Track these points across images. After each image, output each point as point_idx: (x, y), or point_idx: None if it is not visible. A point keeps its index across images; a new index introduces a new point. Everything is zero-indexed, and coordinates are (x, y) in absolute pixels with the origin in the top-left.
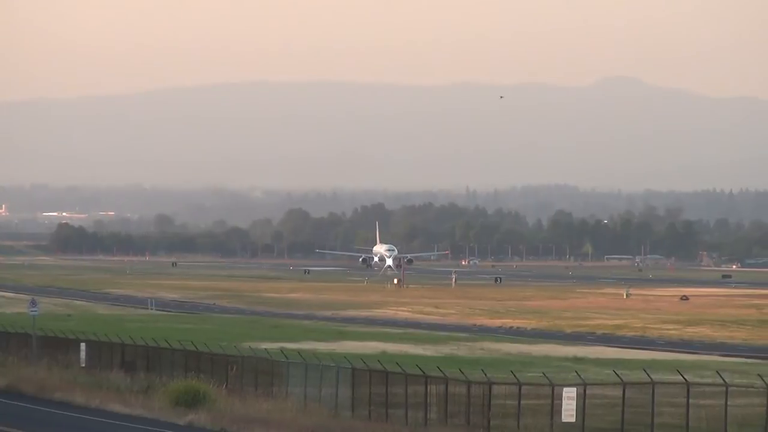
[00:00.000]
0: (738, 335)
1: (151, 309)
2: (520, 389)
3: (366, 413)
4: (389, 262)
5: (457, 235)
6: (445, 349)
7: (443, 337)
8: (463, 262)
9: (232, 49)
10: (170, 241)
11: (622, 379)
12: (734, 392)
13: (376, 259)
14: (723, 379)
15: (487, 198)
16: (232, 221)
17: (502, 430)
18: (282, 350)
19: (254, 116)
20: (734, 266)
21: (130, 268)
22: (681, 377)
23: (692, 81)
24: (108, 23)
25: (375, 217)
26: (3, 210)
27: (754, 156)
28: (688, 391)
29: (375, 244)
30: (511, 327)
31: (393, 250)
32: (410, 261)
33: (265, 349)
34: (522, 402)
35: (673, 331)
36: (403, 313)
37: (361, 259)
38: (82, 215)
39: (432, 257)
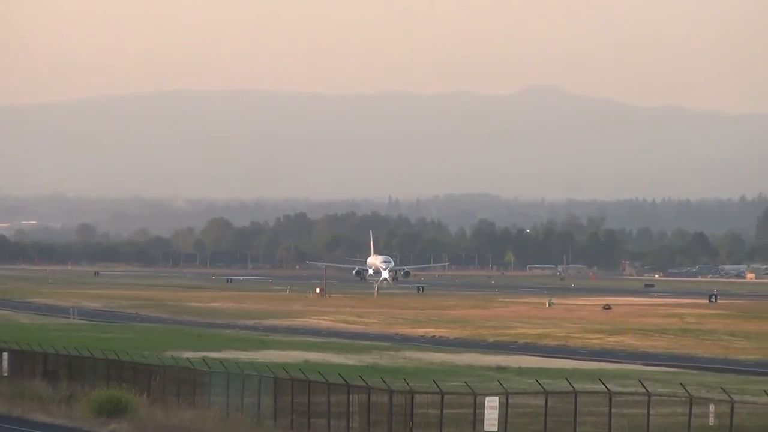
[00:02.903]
0: (660, 344)
1: (73, 318)
2: (442, 398)
3: (288, 422)
4: (385, 274)
5: (380, 244)
6: (367, 359)
7: (366, 347)
8: None
9: (153, 57)
10: (93, 250)
11: (544, 389)
12: (657, 401)
13: (370, 271)
14: (645, 388)
15: (409, 207)
16: (154, 230)
17: None
18: (204, 360)
19: (176, 125)
20: (657, 275)
21: (52, 278)
22: (603, 386)
23: (614, 90)
24: (32, 32)
25: (297, 226)
26: None
27: (677, 165)
28: (610, 400)
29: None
30: (433, 336)
31: (389, 262)
32: (407, 273)
33: (188, 358)
34: (444, 411)
35: (595, 341)
36: (325, 323)
37: (354, 271)
38: (4, 224)
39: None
